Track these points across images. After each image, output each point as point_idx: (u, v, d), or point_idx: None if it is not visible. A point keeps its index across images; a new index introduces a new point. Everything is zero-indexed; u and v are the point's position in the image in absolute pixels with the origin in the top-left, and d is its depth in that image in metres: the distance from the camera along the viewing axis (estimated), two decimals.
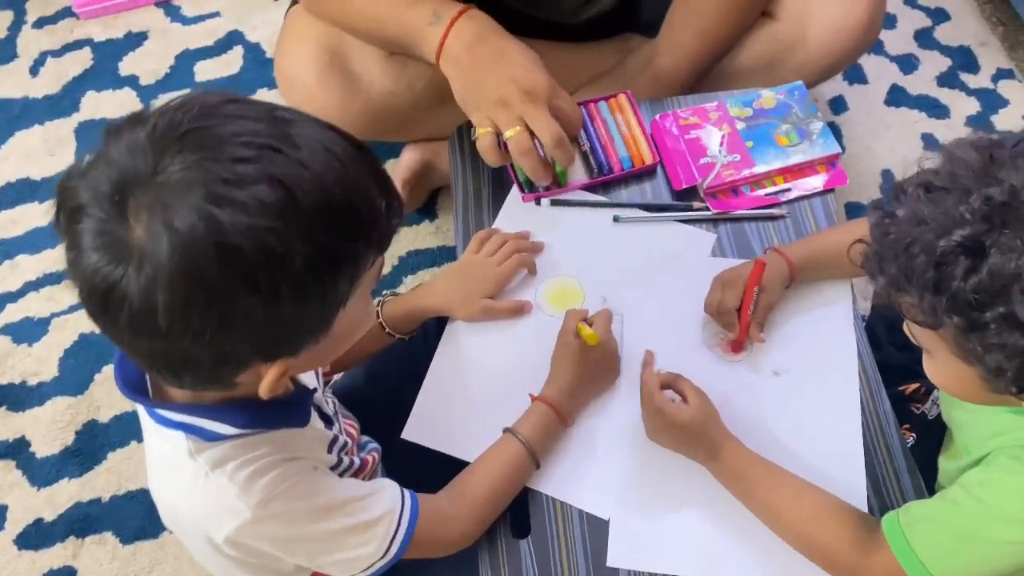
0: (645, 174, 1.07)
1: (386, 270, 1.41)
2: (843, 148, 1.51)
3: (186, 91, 1.42)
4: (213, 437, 0.63)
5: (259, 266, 0.51)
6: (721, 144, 1.06)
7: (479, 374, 0.94)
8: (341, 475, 0.75)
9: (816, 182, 1.05)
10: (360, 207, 0.56)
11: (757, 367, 0.93)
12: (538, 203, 1.05)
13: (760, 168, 1.04)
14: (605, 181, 1.06)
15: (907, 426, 1.02)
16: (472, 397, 0.93)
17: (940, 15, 1.69)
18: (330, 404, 0.80)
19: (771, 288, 0.92)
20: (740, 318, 0.91)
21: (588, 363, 0.88)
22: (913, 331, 0.71)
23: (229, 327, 0.53)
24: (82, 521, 1.21)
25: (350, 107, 1.22)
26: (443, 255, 1.41)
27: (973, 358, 0.63)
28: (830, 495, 0.80)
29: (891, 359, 1.07)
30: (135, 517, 1.19)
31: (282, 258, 0.52)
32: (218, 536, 0.64)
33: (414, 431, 0.90)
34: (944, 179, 0.64)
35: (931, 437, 0.93)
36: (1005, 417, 0.73)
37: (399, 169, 1.39)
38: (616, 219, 1.03)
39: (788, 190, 1.05)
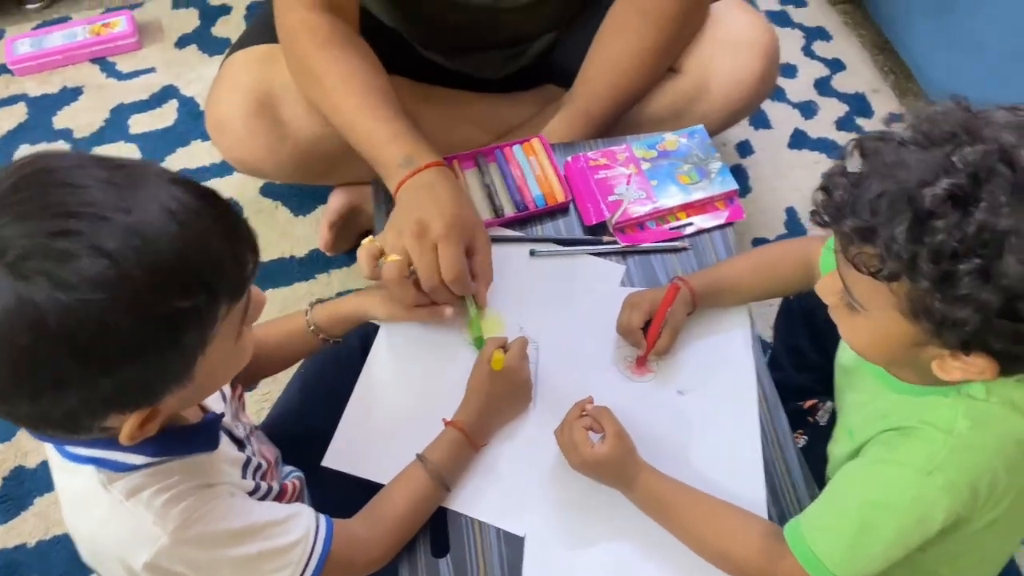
0: (558, 211, 1.14)
1: None
2: (750, 188, 1.61)
3: (121, 150, 1.42)
4: (124, 468, 0.65)
5: (82, 340, 0.52)
6: (628, 183, 1.14)
7: (402, 402, 0.98)
8: (261, 499, 0.77)
9: (716, 217, 1.13)
10: (199, 265, 0.57)
11: (663, 387, 0.99)
12: None
13: (664, 204, 1.12)
14: (522, 218, 1.12)
15: (800, 431, 1.09)
16: (394, 424, 0.96)
17: (837, 65, 1.82)
18: (241, 428, 0.82)
19: (676, 313, 0.99)
20: (647, 336, 0.97)
21: (498, 389, 0.92)
22: (852, 286, 0.71)
23: (65, 391, 0.54)
24: (7, 567, 1.19)
25: (278, 152, 1.27)
26: None
27: (924, 313, 0.64)
28: (738, 509, 0.85)
29: (792, 380, 1.15)
30: (62, 562, 1.18)
31: (109, 330, 0.52)
32: (136, 563, 0.65)
33: (334, 458, 0.93)
34: (917, 136, 0.65)
35: (821, 439, 0.99)
36: (893, 399, 0.78)
37: (327, 213, 1.43)
38: (532, 253, 1.09)
39: (690, 224, 1.12)
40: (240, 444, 0.79)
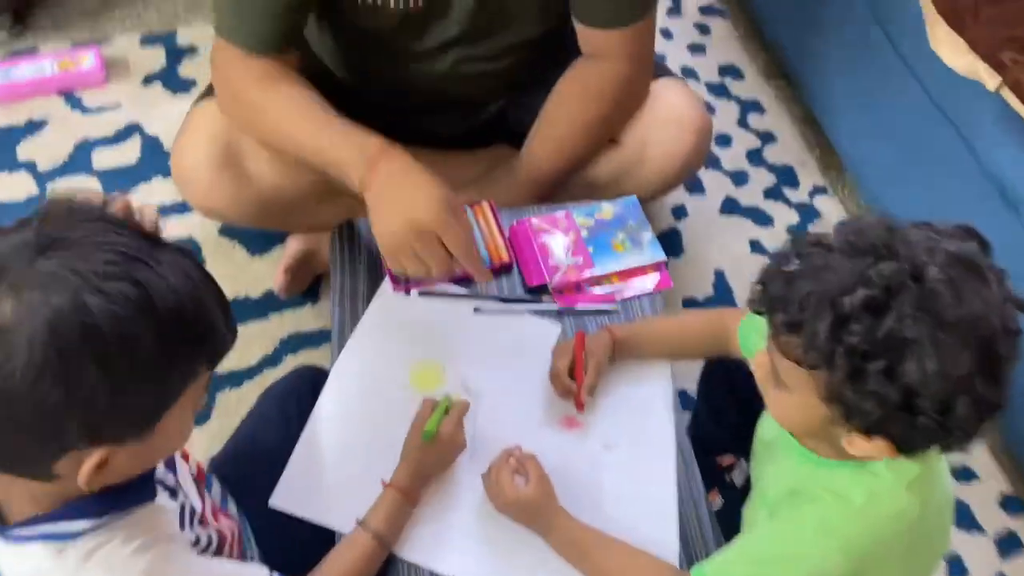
0: (503, 271, 1.23)
1: (269, 350, 1.51)
2: (683, 249, 1.72)
3: (83, 184, 1.48)
4: (72, 535, 0.68)
5: (112, 348, 0.61)
6: (567, 248, 1.24)
7: (348, 444, 1.05)
8: (203, 552, 0.82)
9: (646, 283, 1.23)
10: (203, 322, 0.68)
11: (589, 441, 1.08)
12: (407, 293, 1.19)
13: (599, 270, 1.22)
14: (468, 276, 1.21)
15: (716, 490, 1.20)
16: (340, 466, 1.03)
17: (768, 138, 1.95)
18: (171, 477, 0.84)
19: (597, 352, 1.07)
20: (575, 377, 1.06)
21: (431, 457, 0.99)
22: (779, 367, 0.80)
23: (69, 403, 0.61)
24: None
25: (241, 201, 1.33)
26: (323, 337, 1.52)
27: (837, 400, 0.74)
28: (651, 556, 0.93)
29: (712, 435, 1.25)
30: None
31: (133, 346, 0.62)
32: None
33: (282, 498, 0.99)
34: (844, 245, 0.75)
35: (736, 501, 1.09)
36: (805, 470, 0.88)
37: (284, 256, 1.51)
38: (476, 310, 1.18)
39: (621, 289, 1.22)
40: (172, 492, 0.82)
